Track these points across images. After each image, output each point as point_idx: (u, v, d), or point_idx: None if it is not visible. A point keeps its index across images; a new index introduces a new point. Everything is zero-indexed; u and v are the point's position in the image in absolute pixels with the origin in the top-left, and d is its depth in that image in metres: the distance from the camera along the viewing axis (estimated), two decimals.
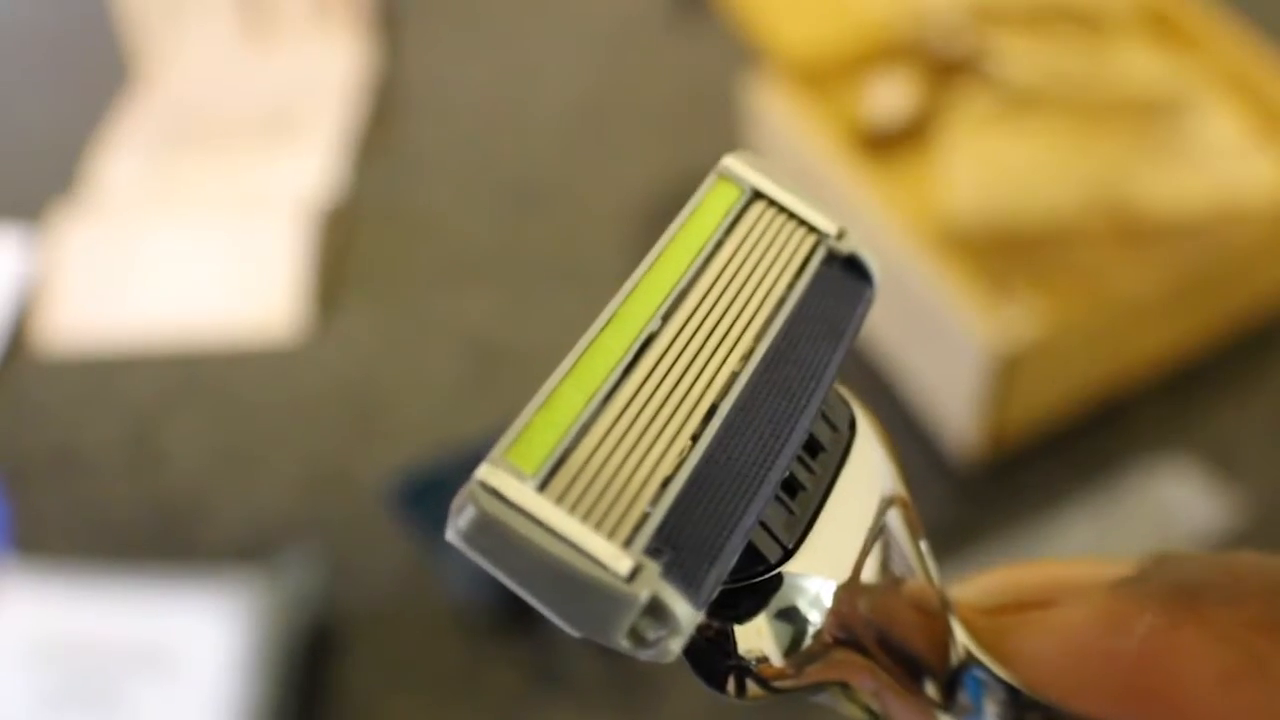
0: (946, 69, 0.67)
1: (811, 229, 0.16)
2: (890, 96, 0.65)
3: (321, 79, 0.82)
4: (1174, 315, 0.59)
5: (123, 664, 0.53)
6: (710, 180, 0.16)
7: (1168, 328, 0.60)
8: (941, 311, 0.56)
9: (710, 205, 0.16)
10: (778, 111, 0.64)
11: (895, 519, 0.16)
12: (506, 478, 0.13)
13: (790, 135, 0.64)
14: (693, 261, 0.16)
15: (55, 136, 0.81)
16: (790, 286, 0.16)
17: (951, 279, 0.56)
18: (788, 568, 0.14)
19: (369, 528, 0.60)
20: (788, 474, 0.15)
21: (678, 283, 0.15)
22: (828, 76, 0.66)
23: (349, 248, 0.73)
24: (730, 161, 0.16)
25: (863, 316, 0.16)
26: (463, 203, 0.74)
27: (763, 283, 0.16)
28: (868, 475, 0.16)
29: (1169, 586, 0.15)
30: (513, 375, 0.66)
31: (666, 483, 0.13)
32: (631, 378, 0.14)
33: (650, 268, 0.16)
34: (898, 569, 0.16)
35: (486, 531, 0.12)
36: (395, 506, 0.58)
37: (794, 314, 0.15)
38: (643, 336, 0.15)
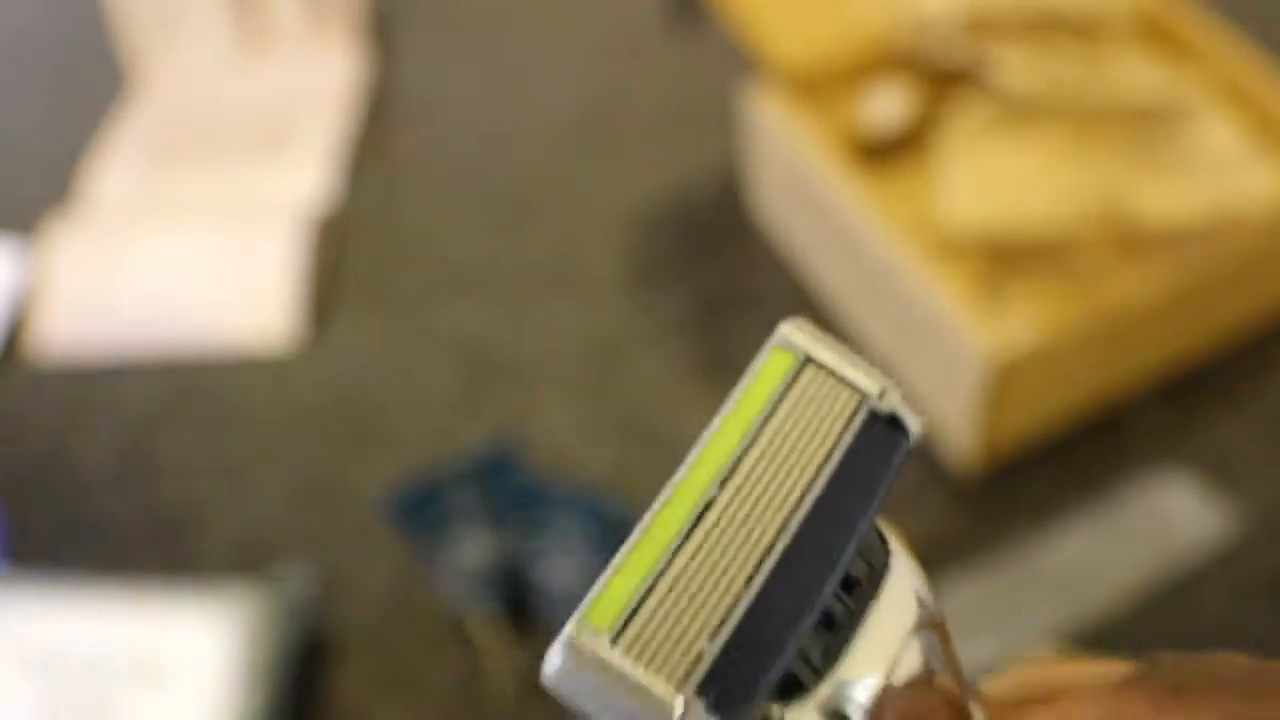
0: (944, 78, 0.67)
1: (856, 389, 0.19)
2: (887, 105, 0.65)
3: (316, 89, 0.82)
4: (1171, 324, 0.59)
5: (117, 675, 0.53)
6: (768, 348, 0.19)
7: (1165, 337, 0.60)
8: (938, 320, 0.56)
9: (767, 373, 0.19)
10: (775, 120, 0.64)
11: (928, 638, 0.18)
12: (585, 635, 0.16)
13: (787, 144, 0.64)
14: (749, 428, 0.18)
15: (50, 147, 0.81)
16: (835, 444, 0.18)
17: (948, 288, 0.56)
18: (822, 687, 0.17)
19: (363, 539, 0.60)
20: (826, 610, 0.17)
21: (734, 450, 0.18)
22: (825, 85, 0.66)
23: (343, 257, 0.72)
24: (786, 330, 0.19)
25: (898, 469, 0.19)
26: (458, 212, 0.74)
27: (810, 444, 0.18)
28: (899, 607, 0.18)
29: (1160, 682, 0.17)
30: (508, 386, 0.65)
31: (720, 625, 0.16)
32: (691, 540, 0.17)
33: (712, 436, 0.18)
34: (930, 672, 0.18)
35: (569, 678, 0.16)
36: (390, 517, 0.58)
37: (836, 471, 0.18)
38: (703, 502, 0.18)
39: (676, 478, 0.18)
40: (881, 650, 0.18)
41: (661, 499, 0.18)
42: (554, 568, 0.54)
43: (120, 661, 0.53)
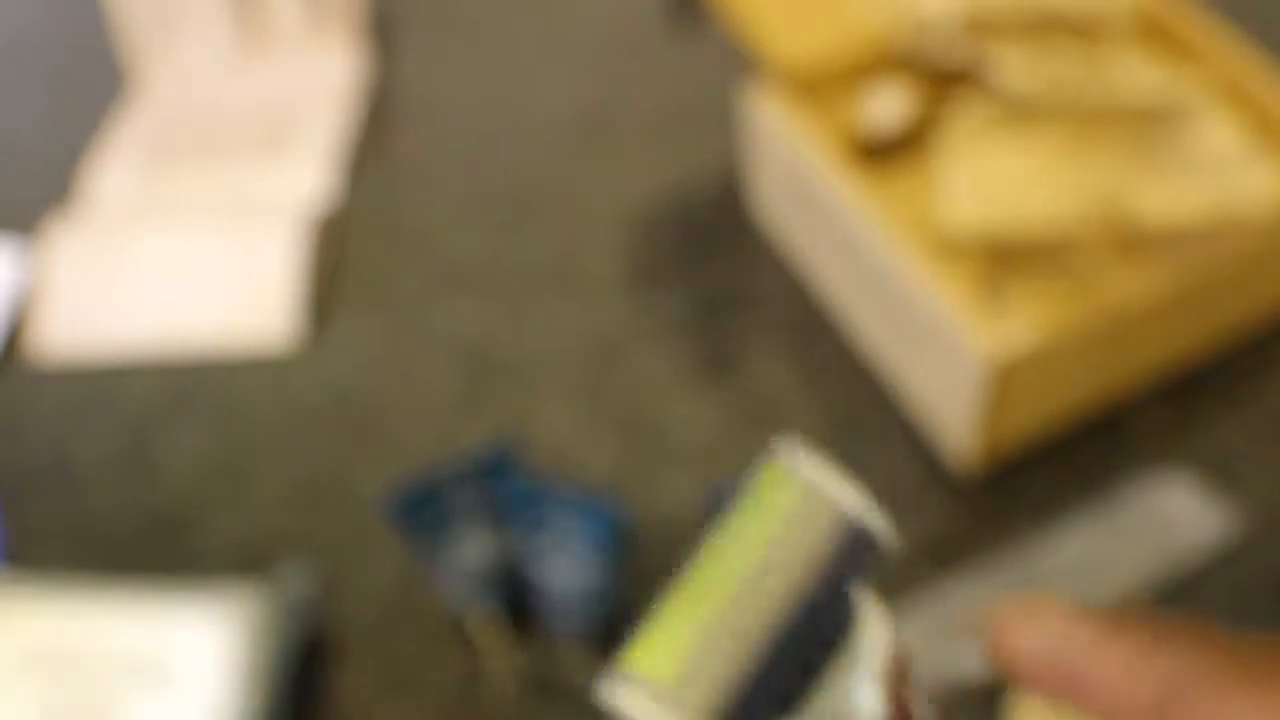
0: (944, 78, 0.67)
1: (839, 503, 0.23)
2: (888, 106, 0.65)
3: (316, 88, 0.82)
4: (1172, 325, 0.59)
5: (118, 676, 0.53)
6: (765, 465, 0.24)
7: (1165, 337, 0.60)
8: (939, 321, 0.56)
9: (765, 488, 0.23)
10: (775, 120, 0.64)
11: (895, 668, 0.23)
12: (631, 676, 0.21)
13: (787, 144, 0.64)
14: (749, 533, 0.23)
15: (50, 146, 0.81)
16: (819, 549, 0.23)
17: (949, 288, 0.56)
18: (810, 709, 0.23)
19: (364, 539, 0.60)
20: (807, 659, 0.23)
21: (740, 549, 0.23)
22: (825, 86, 0.66)
23: (343, 258, 0.72)
24: (782, 453, 0.24)
25: (871, 569, 0.23)
26: (458, 212, 0.74)
27: (798, 550, 0.23)
28: (861, 659, 0.23)
29: (1104, 615, 0.24)
30: (508, 386, 0.65)
31: (726, 678, 0.22)
32: (706, 618, 0.22)
33: (719, 539, 0.23)
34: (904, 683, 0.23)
35: (621, 708, 0.21)
36: (390, 517, 0.58)
37: (819, 575, 0.23)
38: (713, 587, 0.22)
39: (685, 576, 0.23)
40: (855, 681, 0.23)
41: (684, 576, 0.23)
42: (554, 568, 0.54)
43: (120, 661, 0.53)
